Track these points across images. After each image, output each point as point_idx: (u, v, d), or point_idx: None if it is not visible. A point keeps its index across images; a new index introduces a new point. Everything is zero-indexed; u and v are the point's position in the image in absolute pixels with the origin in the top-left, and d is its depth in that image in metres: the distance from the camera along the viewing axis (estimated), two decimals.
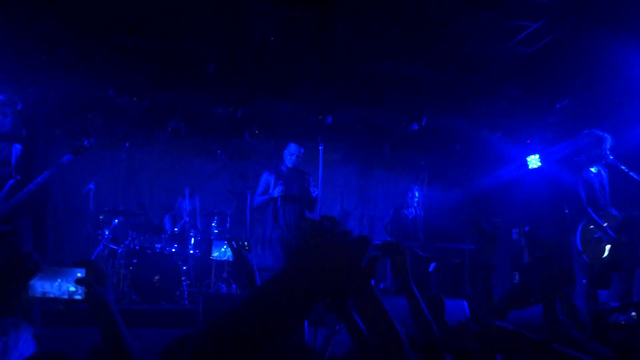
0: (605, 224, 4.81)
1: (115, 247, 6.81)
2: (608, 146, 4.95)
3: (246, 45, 6.06)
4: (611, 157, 4.98)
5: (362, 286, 1.27)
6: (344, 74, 6.70)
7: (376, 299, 1.29)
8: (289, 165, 6.07)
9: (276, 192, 5.91)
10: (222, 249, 6.41)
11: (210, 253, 6.62)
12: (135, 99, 6.67)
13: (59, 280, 1.67)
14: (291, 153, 6.09)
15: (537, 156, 7.48)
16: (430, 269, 7.65)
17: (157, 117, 7.75)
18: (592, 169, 5.00)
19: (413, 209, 7.71)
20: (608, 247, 4.83)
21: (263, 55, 6.22)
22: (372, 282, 1.26)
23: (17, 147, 4.39)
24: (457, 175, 9.23)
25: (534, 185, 7.74)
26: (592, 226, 4.84)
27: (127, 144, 7.52)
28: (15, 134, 4.46)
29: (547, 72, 6.26)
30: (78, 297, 1.63)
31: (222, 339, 1.07)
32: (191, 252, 7.12)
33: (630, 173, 4.93)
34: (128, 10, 5.41)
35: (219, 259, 6.64)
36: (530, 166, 7.57)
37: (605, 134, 4.95)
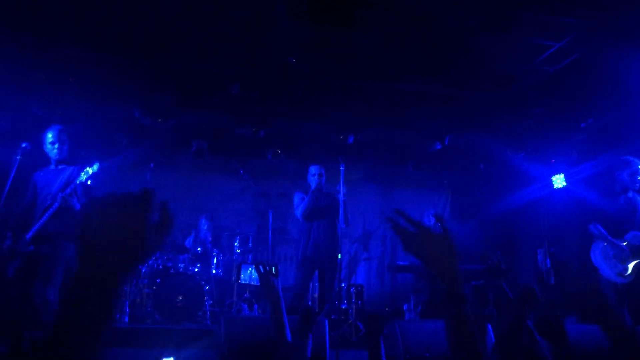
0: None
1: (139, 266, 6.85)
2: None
3: (269, 65, 6.13)
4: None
5: (457, 305, 1.26)
6: (367, 93, 6.70)
7: (466, 320, 1.25)
8: (313, 187, 6.42)
9: (312, 183, 6.41)
10: (248, 271, 6.44)
11: (236, 275, 6.66)
12: (160, 120, 6.75)
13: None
14: (312, 174, 6.49)
15: (562, 176, 7.36)
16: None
17: (181, 138, 7.84)
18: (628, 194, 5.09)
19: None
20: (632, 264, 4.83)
21: (285, 75, 6.27)
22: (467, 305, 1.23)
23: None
24: (481, 195, 9.12)
25: (559, 206, 7.60)
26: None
27: (151, 164, 7.61)
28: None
29: (571, 90, 6.18)
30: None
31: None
32: (214, 272, 7.14)
33: None
34: (153, 32, 5.51)
35: (246, 282, 6.66)
36: (556, 186, 7.44)
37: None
